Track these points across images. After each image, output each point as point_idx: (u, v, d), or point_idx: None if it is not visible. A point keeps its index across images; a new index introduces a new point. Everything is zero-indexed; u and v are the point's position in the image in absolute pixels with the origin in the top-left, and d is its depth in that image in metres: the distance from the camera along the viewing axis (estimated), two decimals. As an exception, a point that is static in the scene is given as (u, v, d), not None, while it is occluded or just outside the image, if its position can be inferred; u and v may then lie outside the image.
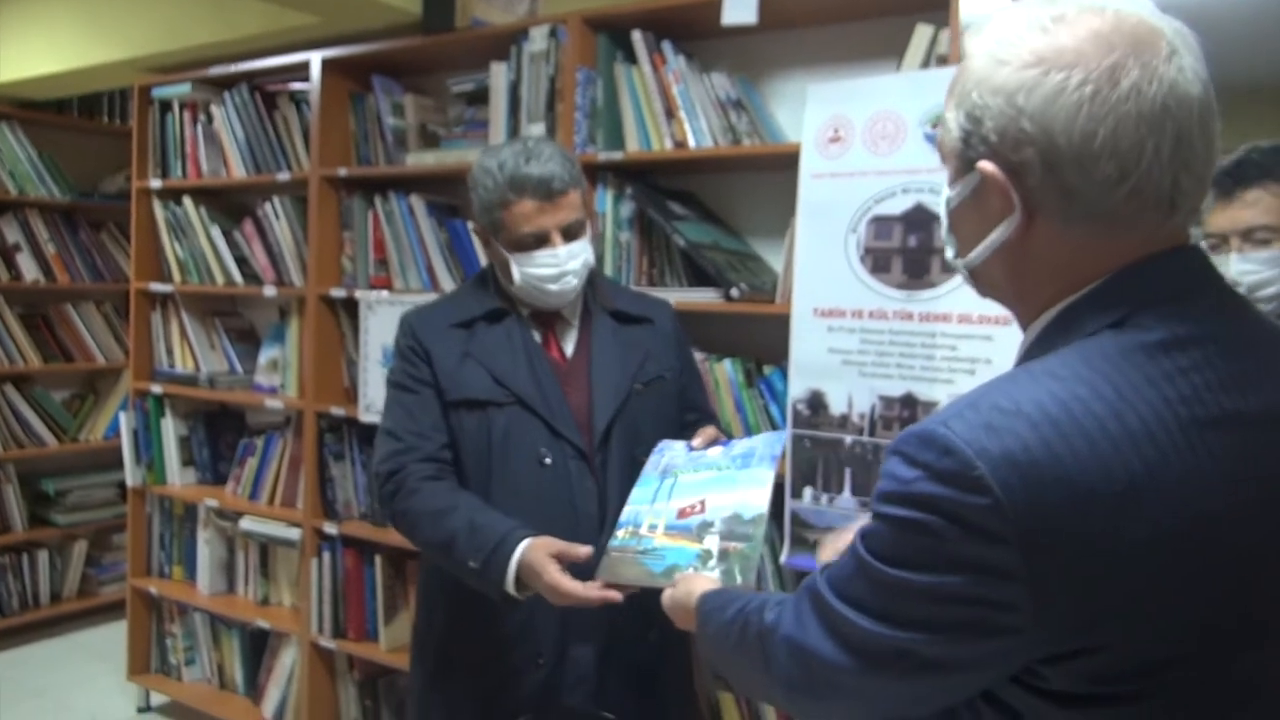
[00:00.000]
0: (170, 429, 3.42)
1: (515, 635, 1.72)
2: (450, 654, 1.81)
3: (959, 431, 0.77)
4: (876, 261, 2.01)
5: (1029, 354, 0.91)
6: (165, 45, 3.22)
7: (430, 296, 2.67)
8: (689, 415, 1.94)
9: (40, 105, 4.21)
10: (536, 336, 1.82)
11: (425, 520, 1.69)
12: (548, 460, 1.73)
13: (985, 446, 0.75)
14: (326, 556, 2.95)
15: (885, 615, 0.81)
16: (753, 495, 1.40)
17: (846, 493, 2.08)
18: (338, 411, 2.92)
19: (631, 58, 2.43)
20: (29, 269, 4.14)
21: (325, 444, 2.96)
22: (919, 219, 1.96)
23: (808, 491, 2.13)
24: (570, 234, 1.74)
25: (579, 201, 1.77)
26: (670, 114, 2.36)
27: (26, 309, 4.23)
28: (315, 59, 2.93)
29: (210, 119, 3.28)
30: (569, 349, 1.84)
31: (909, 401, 1.98)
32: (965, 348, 1.91)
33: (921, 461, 0.79)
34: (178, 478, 3.42)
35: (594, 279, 1.90)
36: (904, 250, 1.98)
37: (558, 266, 1.73)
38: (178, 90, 3.26)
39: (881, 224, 2.00)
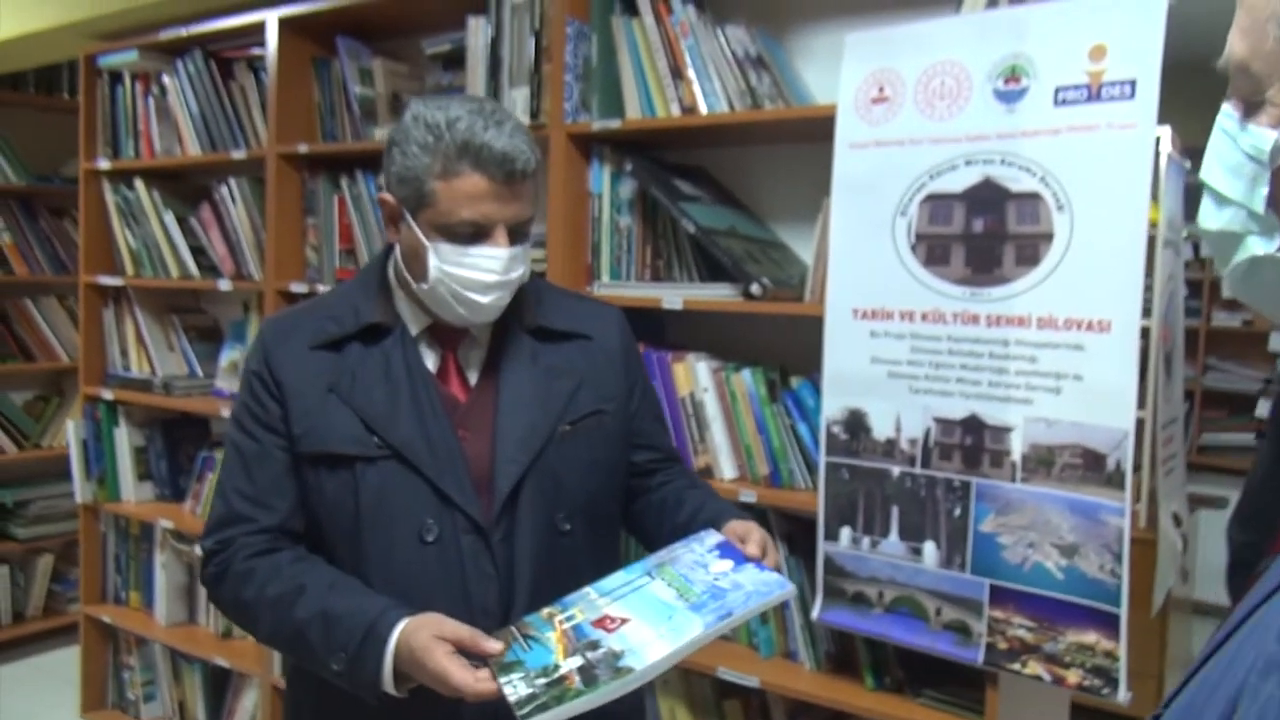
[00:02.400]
0: (124, 439, 3.06)
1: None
2: None
3: None
4: (932, 251, 1.62)
5: None
6: (110, 5, 2.85)
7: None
8: (641, 456, 1.49)
9: (-8, 82, 3.86)
10: (429, 361, 1.35)
11: (263, 611, 1.26)
12: (430, 537, 1.28)
13: None
14: (289, 588, 2.59)
15: None
16: (656, 646, 1.09)
17: (893, 535, 1.69)
18: (300, 423, 2.55)
19: (631, 8, 2.04)
20: (-18, 261, 3.80)
21: (288, 460, 2.60)
22: (987, 197, 1.56)
23: (845, 533, 1.74)
24: (517, 236, 1.30)
25: (533, 194, 1.33)
26: (677, 74, 1.97)
27: (-20, 304, 3.89)
28: (271, 18, 2.55)
29: (164, 91, 2.91)
30: (474, 378, 1.37)
31: (973, 425, 1.59)
32: (1048, 359, 1.51)
33: None
34: (133, 493, 3.07)
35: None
36: (967, 236, 1.58)
37: (496, 274, 1.26)
38: (125, 58, 2.89)
39: (938, 204, 1.61)
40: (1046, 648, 1.55)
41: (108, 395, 3.04)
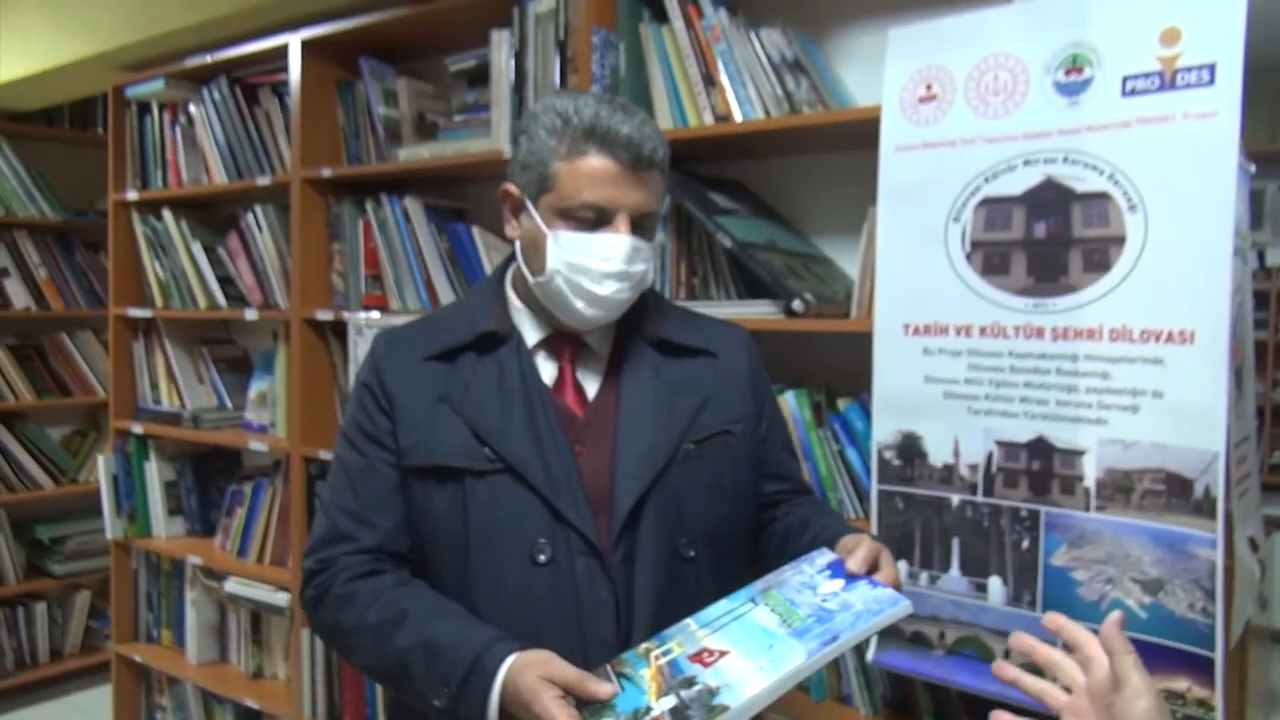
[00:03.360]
0: (154, 473, 3.01)
1: None
2: None
3: None
4: (989, 259, 1.49)
5: None
6: (135, 34, 2.83)
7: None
8: (770, 487, 1.39)
9: (28, 117, 3.86)
10: (546, 373, 1.29)
11: (363, 639, 1.20)
12: (543, 558, 1.20)
13: None
14: (319, 627, 2.50)
15: None
16: (754, 680, 1.00)
17: (955, 570, 1.55)
18: (328, 455, 2.46)
19: (660, 15, 1.94)
20: (18, 296, 3.78)
21: (316, 493, 2.51)
22: (1049, 200, 1.43)
23: (901, 567, 1.60)
24: (641, 229, 1.23)
25: (661, 191, 1.26)
26: (710, 81, 1.86)
27: (17, 339, 3.87)
28: (294, 41, 2.49)
29: (190, 121, 2.87)
30: (592, 392, 1.30)
31: (1041, 449, 1.45)
32: (1123, 375, 1.37)
33: None
34: (163, 528, 3.01)
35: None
36: (1029, 243, 1.45)
37: (616, 263, 1.20)
38: (152, 87, 2.85)
39: (995, 208, 1.48)
40: (1130, 695, 1.40)
41: (138, 429, 2.99)
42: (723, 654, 1.04)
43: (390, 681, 1.21)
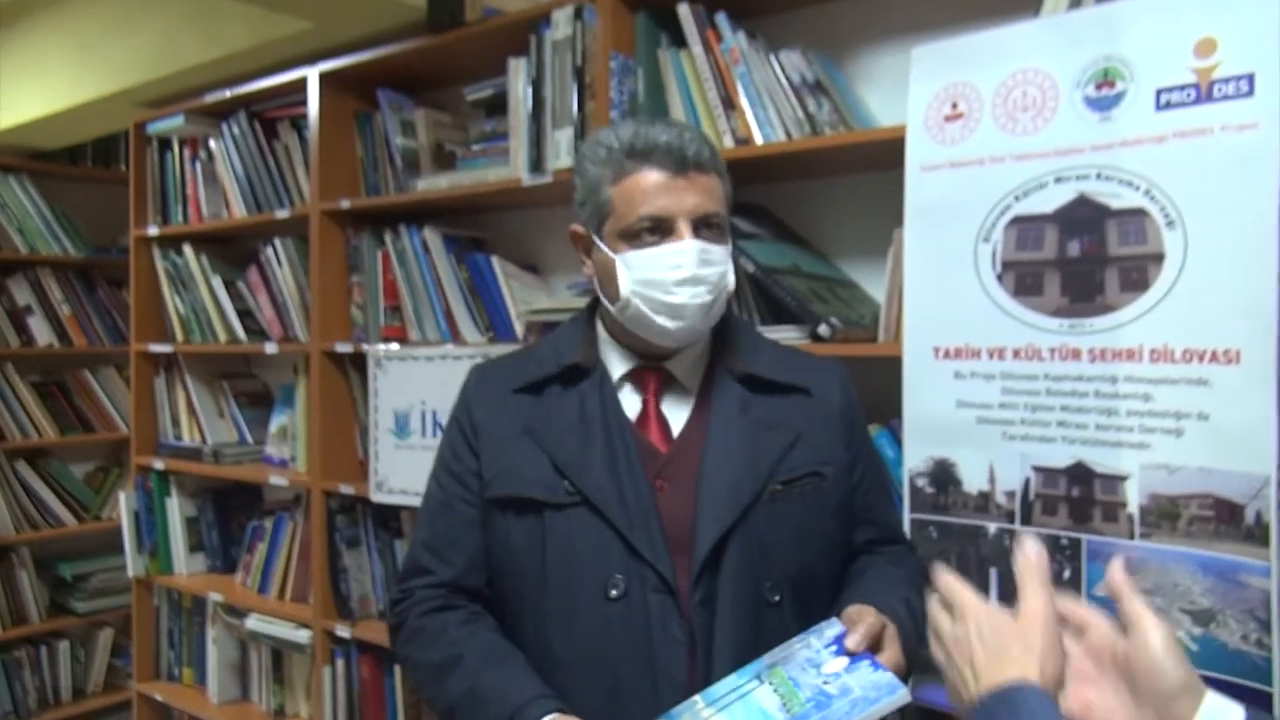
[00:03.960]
0: (175, 510, 2.99)
1: None
2: None
3: None
4: (1021, 280, 1.45)
5: None
6: (155, 71, 2.84)
7: (449, 348, 2.19)
8: (862, 535, 1.35)
9: (51, 156, 3.89)
10: (630, 406, 1.28)
11: (425, 675, 1.25)
12: (616, 592, 1.18)
13: None
14: (340, 664, 2.47)
15: None
16: None
17: (993, 601, 1.49)
18: (348, 489, 2.44)
19: (678, 39, 1.92)
20: (42, 333, 3.80)
21: (336, 528, 2.49)
22: (1083, 217, 1.39)
23: (937, 599, 1.55)
24: (704, 231, 1.21)
25: (720, 194, 1.25)
26: (730, 104, 1.84)
27: (41, 376, 3.88)
28: (313, 75, 2.49)
29: (210, 156, 2.88)
30: (678, 427, 1.27)
31: (1080, 475, 1.40)
32: (1166, 397, 1.32)
33: None
34: (184, 565, 2.99)
35: (724, 327, 1.33)
36: (1062, 262, 1.41)
37: (686, 269, 1.18)
38: (172, 123, 2.87)
39: (1027, 227, 1.44)
40: (1182, 732, 1.33)
41: (159, 465, 2.98)
42: None
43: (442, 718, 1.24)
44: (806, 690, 1.03)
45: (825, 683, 1.04)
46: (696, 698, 1.10)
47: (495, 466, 1.26)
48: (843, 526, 1.31)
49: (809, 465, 1.25)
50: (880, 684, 1.02)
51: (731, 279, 1.26)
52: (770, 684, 1.07)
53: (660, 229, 1.20)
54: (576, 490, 1.20)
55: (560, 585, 1.20)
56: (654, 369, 1.29)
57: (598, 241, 1.25)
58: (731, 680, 1.10)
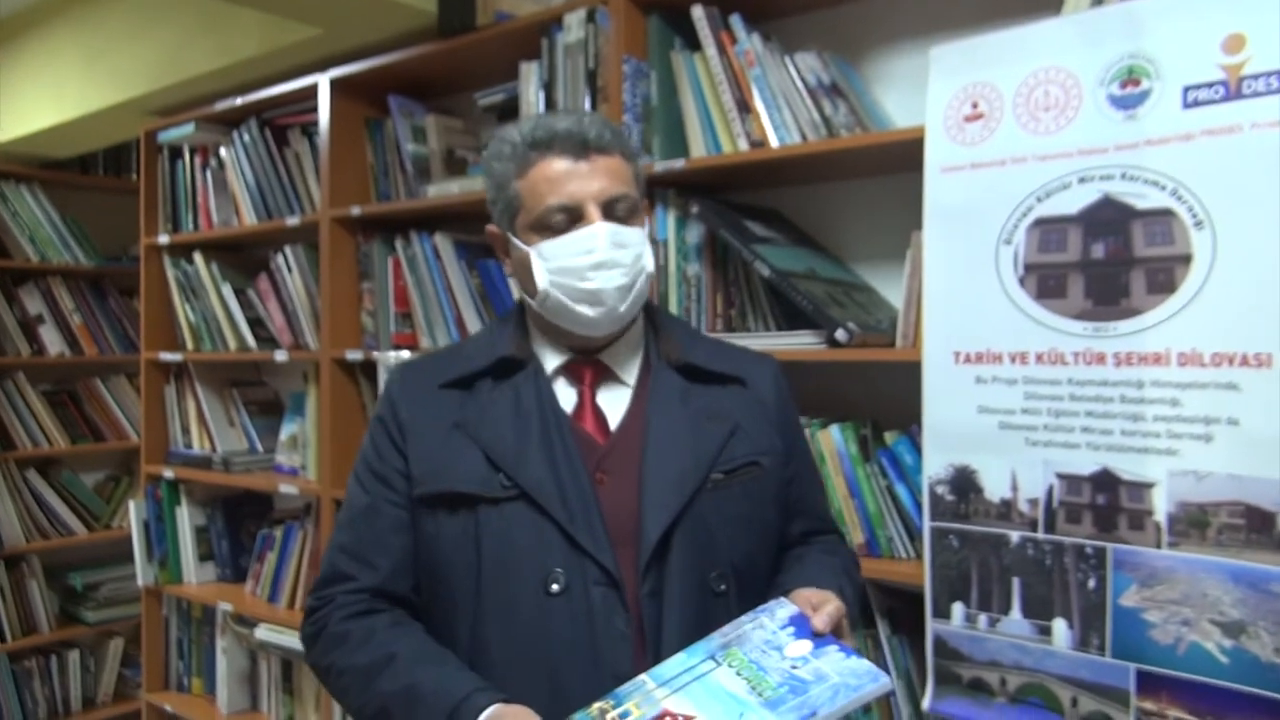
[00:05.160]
0: (185, 519, 2.98)
1: None
2: None
3: None
4: (1044, 283, 1.42)
5: None
6: (166, 79, 2.83)
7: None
8: (798, 526, 1.34)
9: (63, 165, 3.90)
10: (566, 399, 1.25)
11: (352, 680, 1.17)
12: (557, 587, 1.15)
13: None
14: (350, 675, 2.43)
15: None
16: None
17: (1016, 612, 1.46)
18: (359, 498, 2.41)
19: (692, 42, 1.90)
20: (53, 341, 3.80)
21: (346, 537, 2.46)
22: (1108, 218, 1.36)
23: (958, 609, 1.52)
24: (614, 213, 1.20)
25: (628, 175, 1.23)
26: (745, 107, 1.81)
27: (52, 385, 3.88)
28: (323, 81, 2.48)
29: (221, 164, 2.87)
30: (615, 419, 1.25)
31: (1106, 482, 1.37)
32: (1194, 401, 1.29)
33: None
34: (194, 575, 2.97)
35: (657, 320, 1.34)
36: (1086, 264, 1.38)
37: (599, 251, 1.18)
38: (183, 132, 2.86)
39: (1049, 229, 1.41)
40: (1214, 746, 1.30)
41: (169, 474, 2.96)
42: (688, 719, 0.98)
43: None
44: (775, 675, 1.00)
45: (794, 667, 1.01)
46: (644, 677, 1.05)
47: (424, 464, 1.22)
48: (780, 517, 1.30)
49: (748, 455, 1.25)
50: (859, 671, 1.00)
51: (650, 262, 1.24)
52: (730, 666, 1.03)
53: (569, 215, 1.19)
54: (513, 484, 1.17)
55: (497, 582, 1.17)
56: (589, 362, 1.27)
57: (512, 238, 1.24)
58: (681, 660, 1.06)
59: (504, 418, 1.21)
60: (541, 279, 1.20)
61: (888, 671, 1.02)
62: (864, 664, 1.01)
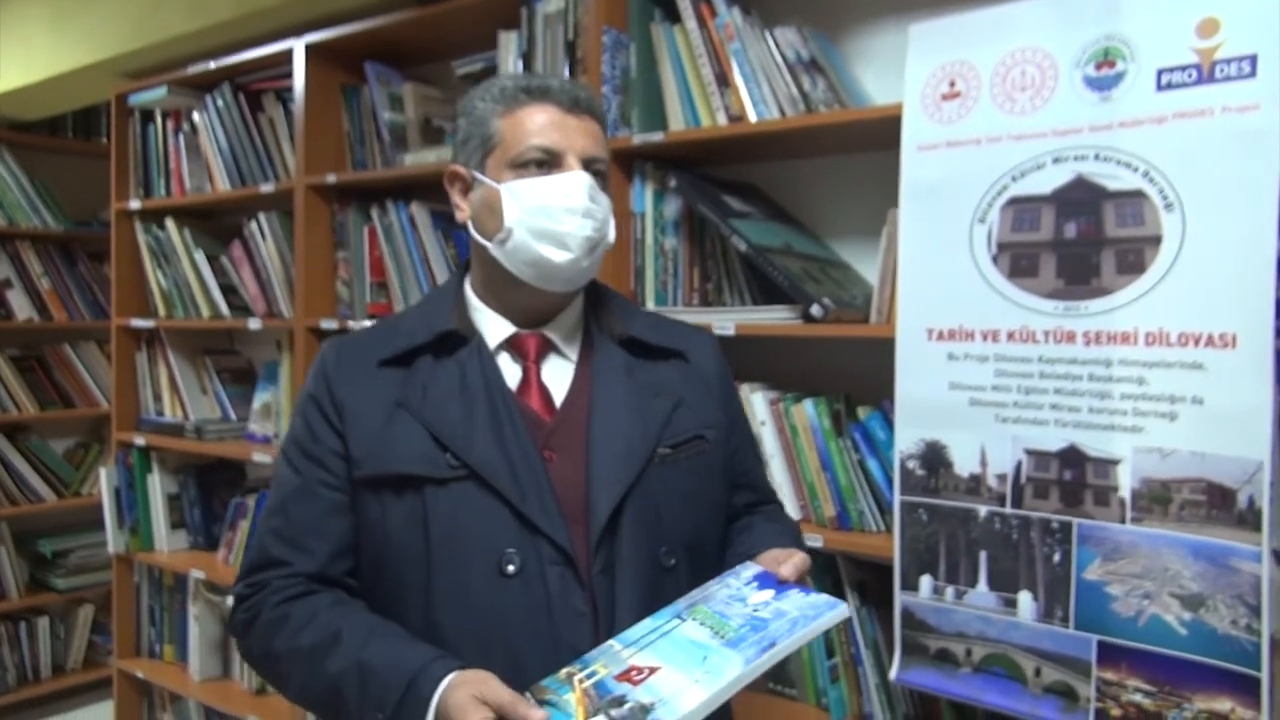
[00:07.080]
0: (157, 486, 2.96)
1: None
2: None
3: None
4: (1017, 261, 1.44)
5: None
6: (137, 41, 2.79)
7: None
8: (741, 499, 1.34)
9: (32, 127, 3.83)
10: (510, 375, 1.21)
11: (295, 664, 1.11)
12: (511, 568, 1.12)
13: None
14: (323, 643, 2.44)
15: None
16: (691, 692, 0.95)
17: (982, 585, 1.49)
18: (333, 467, 2.41)
19: (672, 14, 1.89)
20: (21, 306, 3.74)
21: (320, 506, 2.46)
22: (1080, 199, 1.38)
23: (925, 582, 1.54)
24: (591, 172, 1.19)
25: (605, 146, 1.23)
26: (724, 81, 1.81)
27: (20, 350, 3.83)
28: (298, 46, 2.45)
29: (194, 129, 2.83)
30: (559, 395, 1.22)
31: (1073, 458, 1.39)
32: (1160, 380, 1.32)
33: None
34: (166, 543, 2.95)
35: (597, 293, 1.32)
36: (1058, 243, 1.40)
37: (575, 196, 1.16)
38: (155, 95, 2.82)
39: (1023, 208, 1.43)
40: (1170, 716, 1.33)
41: (140, 441, 2.94)
42: (652, 670, 0.99)
43: (323, 709, 1.12)
44: (737, 619, 1.03)
45: (755, 611, 1.04)
46: (612, 641, 1.06)
47: (365, 445, 1.17)
48: (725, 490, 1.30)
49: (693, 429, 1.24)
50: (818, 603, 1.03)
51: (613, 233, 1.24)
52: (695, 620, 1.05)
53: (550, 162, 1.17)
54: (462, 463, 1.13)
55: (447, 565, 1.13)
56: (533, 335, 1.24)
57: (479, 175, 1.20)
58: (648, 624, 1.07)
59: (449, 395, 1.17)
60: (510, 215, 1.16)
61: (853, 621, 1.04)
62: (822, 597, 1.04)
